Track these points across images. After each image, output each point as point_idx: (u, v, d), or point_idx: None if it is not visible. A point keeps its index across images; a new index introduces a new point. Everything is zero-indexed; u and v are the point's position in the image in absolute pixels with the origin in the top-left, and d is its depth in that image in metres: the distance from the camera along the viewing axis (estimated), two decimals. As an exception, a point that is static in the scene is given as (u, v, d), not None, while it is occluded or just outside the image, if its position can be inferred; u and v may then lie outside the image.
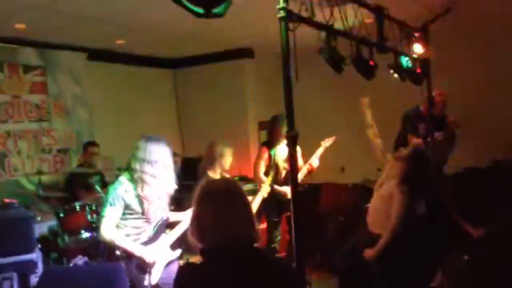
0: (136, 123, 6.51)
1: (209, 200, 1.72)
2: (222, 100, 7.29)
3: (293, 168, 2.37)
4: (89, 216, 4.64)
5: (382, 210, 3.47)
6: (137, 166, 3.22)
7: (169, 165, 3.33)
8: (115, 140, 6.19)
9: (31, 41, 5.53)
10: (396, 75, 3.98)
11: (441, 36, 4.88)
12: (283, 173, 4.95)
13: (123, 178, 3.26)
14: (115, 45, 6.10)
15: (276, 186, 4.82)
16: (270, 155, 4.84)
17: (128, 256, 3.23)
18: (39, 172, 5.23)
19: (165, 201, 3.42)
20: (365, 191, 6.15)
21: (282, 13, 2.28)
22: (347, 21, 3.09)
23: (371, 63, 3.31)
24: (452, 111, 5.30)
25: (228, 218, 1.67)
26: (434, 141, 4.95)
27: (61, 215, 4.63)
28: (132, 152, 3.31)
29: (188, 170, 7.03)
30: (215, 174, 4.12)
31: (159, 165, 3.25)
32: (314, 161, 4.95)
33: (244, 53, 7.11)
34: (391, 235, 3.31)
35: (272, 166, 4.80)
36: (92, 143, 5.62)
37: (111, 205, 3.18)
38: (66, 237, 4.52)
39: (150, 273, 3.30)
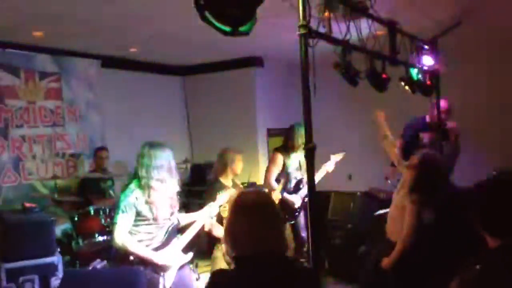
0: (147, 129, 6.61)
1: (242, 211, 1.82)
2: (231, 107, 7.38)
3: (311, 178, 2.45)
4: (103, 220, 4.75)
5: (397, 219, 3.52)
6: (143, 172, 3.33)
7: (173, 169, 3.45)
8: (127, 145, 6.29)
9: (46, 48, 5.64)
10: (407, 88, 4.06)
11: (450, 49, 4.97)
12: (293, 182, 5.03)
13: (133, 186, 3.35)
14: (129, 52, 6.22)
15: (285, 194, 4.90)
16: (284, 162, 4.92)
17: (142, 261, 3.32)
18: (55, 177, 5.32)
19: (174, 204, 3.52)
20: (372, 199, 6.23)
21: (302, 30, 2.37)
22: (361, 34, 3.18)
23: (384, 76, 3.40)
24: (462, 123, 5.36)
25: (259, 229, 1.76)
26: (441, 151, 5.01)
27: (76, 219, 4.74)
28: (137, 159, 3.42)
29: (197, 176, 7.14)
30: (227, 180, 4.20)
31: (165, 170, 3.37)
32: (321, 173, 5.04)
33: (254, 61, 7.20)
34: (403, 245, 3.36)
35: (284, 174, 4.88)
36: (101, 148, 5.72)
37: (123, 212, 3.28)
38: (80, 241, 4.63)
39: (163, 277, 3.39)
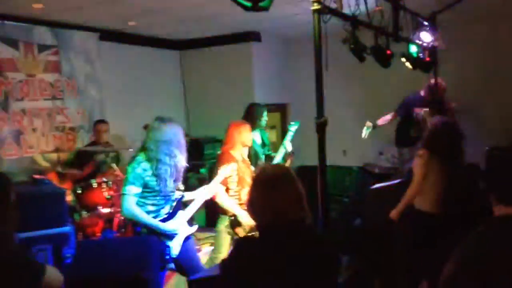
0: (145, 103, 6.64)
1: (263, 184, 1.93)
2: (229, 82, 7.39)
3: (322, 152, 2.55)
4: (106, 193, 4.82)
5: None
6: (152, 146, 3.41)
7: (182, 144, 3.54)
8: (125, 119, 6.34)
9: (45, 21, 5.58)
10: (408, 64, 4.14)
11: (448, 26, 5.04)
12: (263, 158, 5.11)
13: (140, 158, 3.43)
14: (127, 26, 6.18)
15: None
16: None
17: (150, 231, 3.42)
18: (57, 150, 5.35)
19: (179, 178, 3.62)
20: (368, 174, 6.39)
21: (316, 6, 2.42)
22: (367, 11, 3.24)
23: (388, 52, 3.48)
24: (460, 100, 5.48)
25: (280, 201, 1.86)
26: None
27: (79, 191, 4.81)
28: (147, 133, 3.51)
29: (195, 151, 7.18)
30: (235, 153, 4.18)
31: (173, 145, 3.45)
32: (288, 145, 5.06)
33: (251, 36, 7.19)
34: (410, 195, 3.56)
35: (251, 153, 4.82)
36: (101, 121, 5.75)
37: (131, 183, 3.37)
38: (84, 213, 4.71)
39: (170, 247, 3.50)
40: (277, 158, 4.99)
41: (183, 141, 3.55)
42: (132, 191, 3.36)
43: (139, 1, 4.97)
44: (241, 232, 3.99)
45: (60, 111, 5.79)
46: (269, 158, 5.14)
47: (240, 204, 4.04)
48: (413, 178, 3.61)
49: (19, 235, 3.11)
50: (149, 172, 3.39)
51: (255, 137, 5.02)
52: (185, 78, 7.87)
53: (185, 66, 7.85)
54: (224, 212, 4.10)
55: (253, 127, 4.93)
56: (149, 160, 3.40)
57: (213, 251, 4.35)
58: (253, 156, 4.77)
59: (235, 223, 4.01)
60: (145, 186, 3.40)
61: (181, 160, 3.54)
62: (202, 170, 6.79)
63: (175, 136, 3.48)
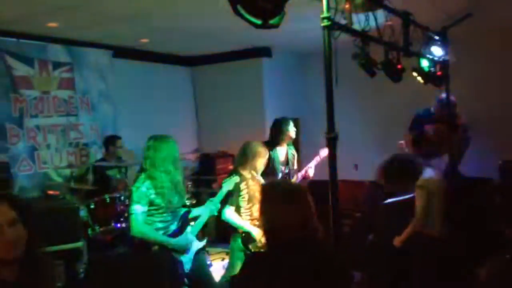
0: (157, 119, 6.69)
1: (271, 198, 1.93)
2: (240, 98, 7.45)
3: (333, 168, 2.54)
4: (118, 208, 4.85)
5: None
6: (148, 165, 3.48)
7: (177, 159, 3.60)
8: (138, 134, 6.36)
9: (59, 39, 5.70)
10: (419, 78, 4.13)
11: (459, 40, 5.03)
12: (279, 176, 5.05)
13: (142, 177, 3.48)
14: (140, 43, 6.27)
15: None
16: (270, 157, 4.86)
17: (161, 247, 3.43)
18: (70, 166, 5.41)
19: (182, 193, 3.68)
20: (380, 188, 6.32)
21: (326, 22, 2.44)
22: (377, 26, 3.25)
23: (399, 66, 3.48)
24: (471, 115, 5.44)
25: (291, 216, 1.86)
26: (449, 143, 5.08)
27: (92, 206, 4.83)
28: (143, 152, 3.57)
29: (206, 166, 7.22)
30: (245, 172, 4.13)
31: (169, 161, 3.51)
32: (311, 171, 5.03)
33: (262, 52, 7.26)
34: (414, 226, 3.53)
35: (270, 168, 4.76)
36: (115, 137, 5.79)
37: (136, 203, 3.41)
38: (97, 228, 4.73)
39: (181, 262, 3.51)
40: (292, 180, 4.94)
41: (177, 155, 3.61)
42: (139, 209, 3.40)
43: (151, 19, 5.06)
44: (254, 248, 3.96)
45: (74, 127, 5.88)
46: (285, 177, 5.04)
47: (252, 220, 4.03)
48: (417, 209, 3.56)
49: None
50: (152, 190, 3.44)
51: (280, 153, 4.98)
52: (196, 94, 7.95)
53: (196, 81, 7.93)
54: (235, 229, 4.08)
55: (281, 142, 4.94)
56: (149, 178, 3.45)
57: (227, 269, 4.32)
58: (270, 173, 4.69)
59: (246, 240, 3.99)
60: (150, 204, 3.45)
61: (177, 175, 3.59)
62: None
63: (170, 152, 3.54)
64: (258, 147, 4.15)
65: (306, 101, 7.70)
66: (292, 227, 1.84)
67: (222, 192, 3.86)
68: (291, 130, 5.03)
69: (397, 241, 3.68)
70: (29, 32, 5.35)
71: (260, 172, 4.20)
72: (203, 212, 3.77)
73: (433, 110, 5.57)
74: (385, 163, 3.97)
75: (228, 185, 3.89)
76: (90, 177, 5.46)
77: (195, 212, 3.83)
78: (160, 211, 3.49)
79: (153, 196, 3.43)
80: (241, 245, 4.01)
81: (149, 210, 3.44)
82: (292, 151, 5.17)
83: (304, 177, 5.09)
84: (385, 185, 4.07)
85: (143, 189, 3.42)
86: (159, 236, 3.45)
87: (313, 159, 5.08)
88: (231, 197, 3.97)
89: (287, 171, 5.08)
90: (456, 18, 4.69)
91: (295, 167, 5.12)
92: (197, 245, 3.67)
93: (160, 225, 3.51)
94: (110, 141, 5.66)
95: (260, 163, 4.15)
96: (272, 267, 1.80)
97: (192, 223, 3.76)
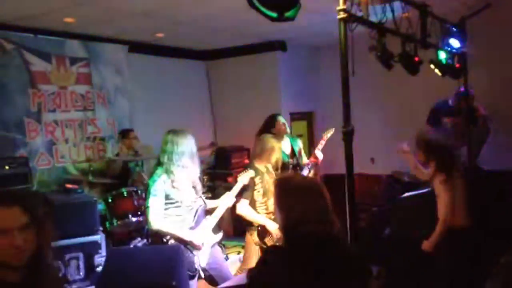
0: (172, 113, 6.73)
1: (290, 193, 1.93)
2: (255, 92, 7.43)
3: (349, 160, 2.53)
4: (135, 202, 4.90)
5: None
6: (166, 159, 3.48)
7: (194, 154, 3.59)
8: (153, 128, 6.42)
9: (76, 34, 5.75)
10: (437, 70, 4.07)
11: (478, 31, 4.94)
12: (289, 169, 5.02)
13: (159, 171, 3.50)
14: (155, 38, 6.30)
15: None
16: None
17: (178, 241, 3.46)
18: (88, 160, 5.48)
19: (198, 187, 3.68)
20: (397, 182, 6.28)
21: (342, 15, 2.41)
22: (394, 18, 3.21)
23: (417, 59, 3.44)
24: (488, 105, 5.35)
25: (308, 210, 1.85)
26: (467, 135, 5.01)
27: (110, 200, 4.90)
28: (161, 146, 3.57)
29: (221, 160, 7.24)
30: (261, 165, 4.17)
31: (186, 156, 3.51)
32: (318, 154, 4.92)
33: (277, 45, 7.22)
34: (444, 225, 3.44)
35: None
36: (130, 130, 5.86)
37: (153, 196, 3.43)
38: (115, 221, 4.78)
39: (198, 256, 3.53)
40: (304, 173, 4.92)
41: (195, 150, 3.61)
42: (155, 203, 3.42)
43: (167, 13, 5.07)
44: (269, 242, 3.98)
45: (91, 122, 5.94)
46: (296, 168, 5.07)
47: (267, 214, 4.04)
48: (443, 205, 3.46)
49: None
50: (169, 184, 3.46)
51: (284, 145, 4.98)
52: (211, 88, 7.96)
53: (211, 76, 7.94)
54: (250, 223, 4.09)
55: (281, 137, 4.92)
56: (166, 172, 3.47)
57: (242, 262, 4.34)
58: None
59: (262, 233, 4.00)
60: (167, 197, 3.47)
61: (194, 170, 3.60)
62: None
63: (187, 147, 3.54)
64: (273, 141, 4.16)
65: (321, 95, 7.66)
66: (308, 221, 1.82)
67: (237, 186, 3.87)
68: (281, 124, 5.04)
69: (426, 245, 3.52)
70: (47, 27, 5.41)
71: (277, 166, 4.20)
72: (219, 206, 3.78)
73: (451, 103, 5.49)
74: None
75: (243, 179, 3.90)
76: (116, 166, 5.49)
77: (210, 205, 3.85)
78: (175, 205, 3.51)
79: (169, 189, 3.45)
80: (257, 238, 4.03)
81: (165, 204, 3.46)
82: (298, 143, 5.19)
83: (314, 162, 4.98)
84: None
85: (159, 182, 3.44)
86: (175, 230, 3.47)
87: (319, 143, 5.01)
88: (246, 191, 3.98)
89: (295, 162, 5.08)
90: (475, 8, 4.61)
91: (305, 160, 5.09)
92: (213, 238, 3.69)
93: (176, 218, 3.52)
94: (123, 135, 5.71)
95: (274, 158, 4.15)
96: (290, 261, 1.80)
97: (207, 217, 3.77)
